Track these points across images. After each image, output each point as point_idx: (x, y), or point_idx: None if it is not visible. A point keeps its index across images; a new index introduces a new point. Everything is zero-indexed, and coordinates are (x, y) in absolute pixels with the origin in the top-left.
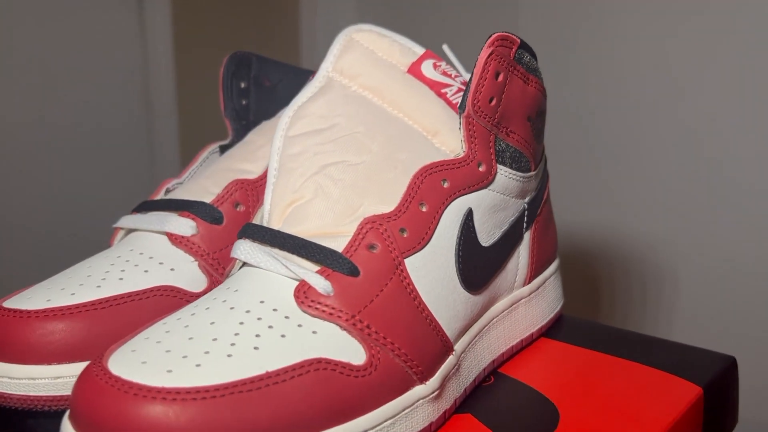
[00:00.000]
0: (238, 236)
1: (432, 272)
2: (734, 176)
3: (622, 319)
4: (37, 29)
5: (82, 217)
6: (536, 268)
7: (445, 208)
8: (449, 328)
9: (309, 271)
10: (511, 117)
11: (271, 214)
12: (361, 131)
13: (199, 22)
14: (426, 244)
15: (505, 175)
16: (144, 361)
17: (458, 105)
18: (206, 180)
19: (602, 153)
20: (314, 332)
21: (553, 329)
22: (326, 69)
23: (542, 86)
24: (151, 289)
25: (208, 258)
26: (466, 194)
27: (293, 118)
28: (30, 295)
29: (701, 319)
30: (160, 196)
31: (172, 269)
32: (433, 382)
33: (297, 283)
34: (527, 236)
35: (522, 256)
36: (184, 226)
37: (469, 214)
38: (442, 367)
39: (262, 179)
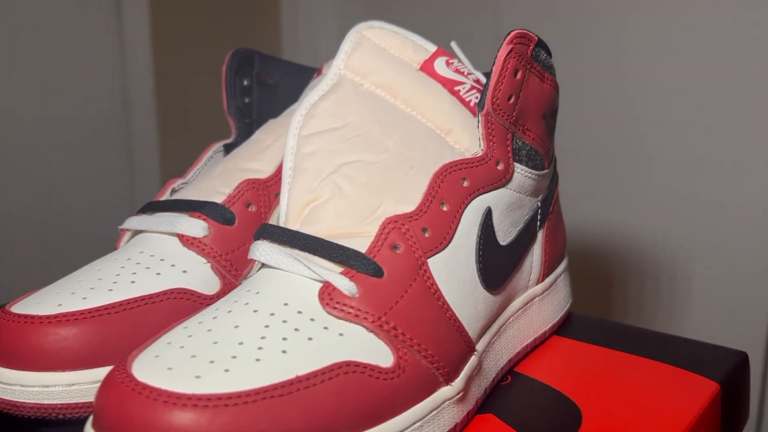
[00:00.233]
0: (254, 237)
1: (454, 272)
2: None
3: (635, 318)
4: (12, 26)
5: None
6: (549, 266)
7: (466, 207)
8: (471, 328)
9: (333, 272)
10: (528, 115)
11: (288, 215)
12: (375, 130)
13: (177, 17)
14: (448, 244)
15: (521, 173)
16: (170, 366)
17: (471, 103)
18: (215, 180)
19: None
20: (341, 334)
21: (564, 327)
22: (338, 66)
23: (556, 84)
24: (165, 292)
25: (221, 259)
26: (485, 193)
27: (306, 117)
28: (39, 299)
29: (710, 316)
30: (166, 196)
31: (184, 271)
32: (458, 383)
33: (320, 284)
34: (540, 235)
35: (536, 254)
36: (196, 227)
37: (488, 213)
38: (466, 367)
39: (274, 179)
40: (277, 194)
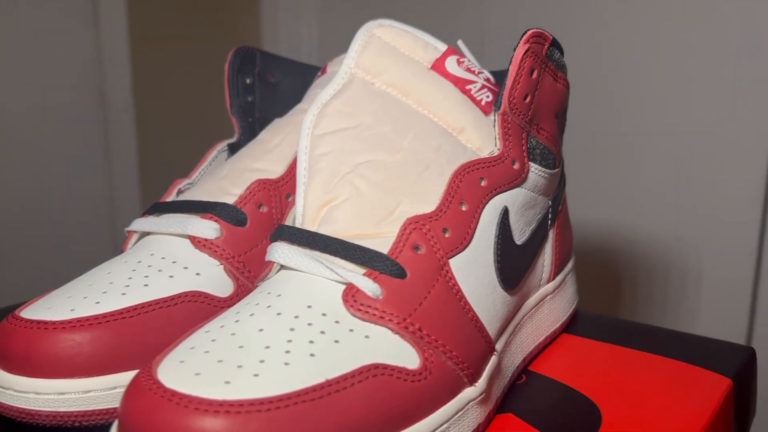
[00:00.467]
0: (271, 238)
1: (474, 272)
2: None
3: (643, 316)
4: None
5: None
6: (559, 264)
7: (484, 207)
8: (491, 328)
9: (356, 273)
10: (542, 114)
11: (305, 216)
12: (388, 129)
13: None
14: (468, 244)
15: (535, 172)
16: (197, 372)
17: (482, 102)
18: (224, 180)
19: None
20: (366, 336)
21: (573, 325)
22: (348, 65)
23: (568, 83)
24: (179, 295)
25: (234, 261)
26: (502, 192)
27: (318, 116)
28: (49, 304)
29: (719, 314)
30: (173, 197)
31: (197, 274)
32: (481, 383)
33: (342, 286)
34: (551, 234)
35: (547, 253)
36: (208, 228)
37: (505, 213)
38: (487, 367)
39: (284, 179)
40: (288, 195)
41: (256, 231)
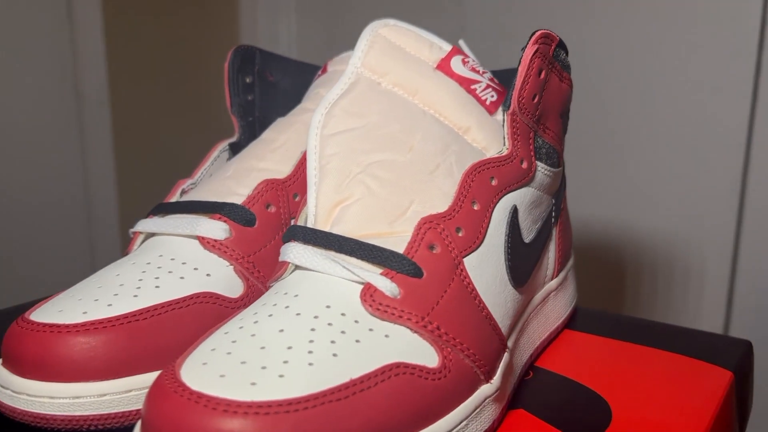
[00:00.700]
0: (284, 239)
1: (487, 271)
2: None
3: (645, 313)
4: None
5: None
6: (561, 261)
7: (495, 206)
8: (503, 326)
9: (373, 273)
10: (548, 114)
11: (317, 216)
12: (396, 128)
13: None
14: (481, 243)
15: (541, 171)
16: (222, 374)
17: (487, 101)
18: (230, 180)
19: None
20: (386, 336)
21: (575, 321)
22: (355, 65)
23: (572, 82)
24: (190, 297)
25: (244, 261)
26: (511, 191)
27: (326, 116)
28: (60, 307)
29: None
30: (176, 197)
31: (208, 275)
32: (496, 380)
33: (359, 286)
34: (554, 231)
35: (551, 250)
36: (217, 229)
37: (514, 212)
38: (501, 364)
39: (292, 179)
40: (296, 194)
41: (265, 231)
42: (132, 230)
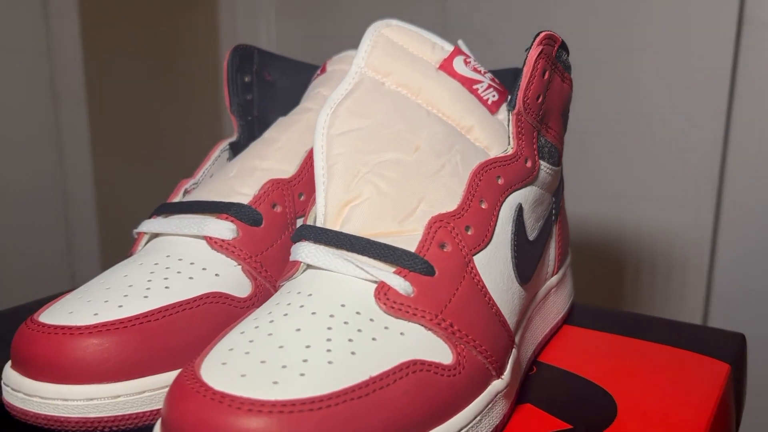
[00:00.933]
0: (294, 239)
1: (495, 268)
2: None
3: (643, 308)
4: None
5: None
6: (561, 258)
7: (502, 205)
8: (511, 322)
9: (386, 272)
10: (551, 113)
11: (326, 215)
12: (402, 128)
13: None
14: (489, 241)
15: (543, 170)
16: (243, 373)
17: (489, 101)
18: (234, 180)
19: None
20: (402, 334)
21: (574, 316)
22: (358, 65)
23: (572, 82)
24: (200, 297)
25: (251, 261)
26: (517, 190)
27: (332, 116)
28: (70, 308)
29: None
30: (179, 197)
31: (216, 275)
32: (506, 375)
33: (372, 284)
34: (554, 229)
35: (552, 247)
36: (224, 229)
37: (519, 210)
38: (510, 360)
39: (297, 178)
40: (301, 194)
41: (271, 230)
42: (136, 231)
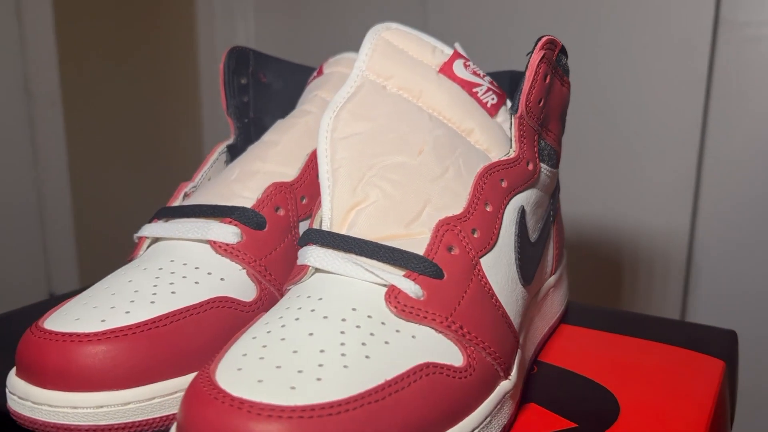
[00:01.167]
0: (300, 243)
1: (501, 270)
2: (754, 168)
3: (641, 308)
4: None
5: None
6: (558, 258)
7: (506, 207)
8: (516, 323)
9: (396, 275)
10: (551, 117)
11: (332, 219)
12: (405, 131)
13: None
14: (495, 244)
15: (543, 172)
16: (259, 379)
17: (488, 104)
18: (235, 183)
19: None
20: (413, 337)
21: (571, 316)
22: (360, 68)
23: (570, 86)
24: (207, 302)
25: (256, 265)
26: (519, 192)
27: (335, 120)
28: (76, 315)
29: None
30: (179, 201)
31: (222, 279)
32: (514, 376)
33: (382, 288)
34: (552, 230)
35: (550, 248)
36: (228, 233)
37: (522, 212)
38: (515, 361)
39: (299, 182)
40: (303, 197)
41: (275, 234)
42: (137, 235)
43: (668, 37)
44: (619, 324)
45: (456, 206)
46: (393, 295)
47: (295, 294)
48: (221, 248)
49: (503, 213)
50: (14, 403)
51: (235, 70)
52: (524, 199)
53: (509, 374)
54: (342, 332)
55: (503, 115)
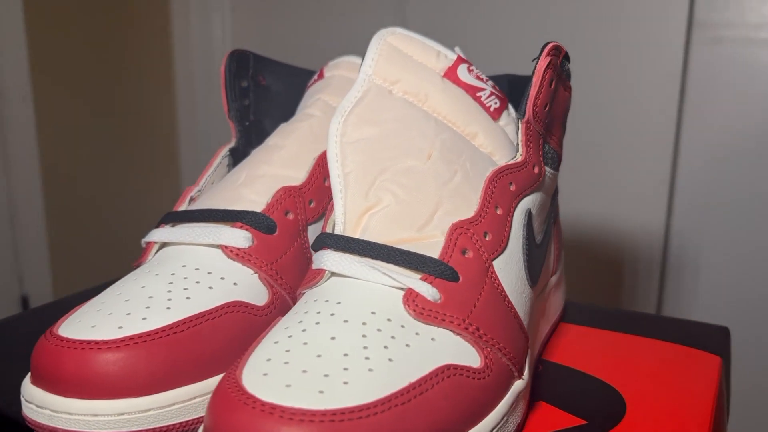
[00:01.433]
0: (314, 247)
1: (511, 272)
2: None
3: (641, 306)
4: None
5: None
6: (558, 258)
7: (514, 210)
8: (525, 323)
9: (413, 278)
10: (554, 121)
11: (345, 224)
12: (414, 135)
13: None
14: (506, 246)
15: (547, 175)
16: (287, 384)
17: (491, 108)
18: (243, 188)
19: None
20: (432, 339)
21: (571, 315)
22: (366, 73)
23: (571, 90)
24: (222, 307)
25: (268, 269)
26: (526, 196)
27: (344, 124)
28: (91, 322)
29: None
30: (185, 205)
31: (235, 284)
32: (526, 375)
33: (399, 291)
34: (552, 231)
35: (552, 249)
36: (240, 237)
37: (529, 215)
38: (527, 360)
39: (307, 185)
40: (311, 201)
41: (284, 238)
42: (145, 240)
43: (642, 39)
44: (616, 322)
45: (466, 210)
46: (411, 299)
47: (312, 298)
48: (233, 253)
49: (512, 216)
50: (31, 412)
51: (236, 73)
52: (531, 201)
53: (522, 374)
54: (364, 336)
55: (505, 119)
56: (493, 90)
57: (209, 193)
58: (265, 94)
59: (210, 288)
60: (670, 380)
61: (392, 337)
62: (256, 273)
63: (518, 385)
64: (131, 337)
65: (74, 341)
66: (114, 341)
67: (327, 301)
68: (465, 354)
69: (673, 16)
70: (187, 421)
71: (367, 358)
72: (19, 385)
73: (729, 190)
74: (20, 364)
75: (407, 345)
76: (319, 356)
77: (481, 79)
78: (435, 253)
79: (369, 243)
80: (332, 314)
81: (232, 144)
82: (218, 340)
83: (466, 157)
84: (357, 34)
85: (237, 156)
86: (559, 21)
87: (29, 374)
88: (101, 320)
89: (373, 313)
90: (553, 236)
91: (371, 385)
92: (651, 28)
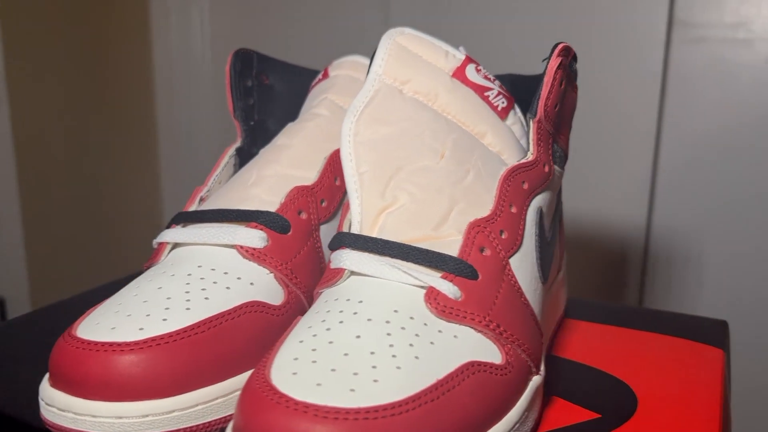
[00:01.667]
0: (331, 246)
1: (526, 270)
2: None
3: (645, 301)
4: None
5: None
6: (562, 255)
7: (528, 209)
8: (540, 320)
9: (434, 276)
10: (563, 120)
11: (362, 223)
12: (427, 134)
13: None
14: (521, 244)
15: (556, 173)
16: (318, 383)
17: (499, 107)
18: (254, 188)
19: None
20: (455, 336)
21: (573, 310)
22: (376, 73)
23: (577, 89)
24: (240, 307)
25: (283, 269)
26: (538, 194)
27: (357, 124)
28: (111, 324)
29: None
30: (195, 205)
31: (251, 283)
32: (542, 370)
33: (420, 289)
34: (558, 228)
35: (558, 246)
36: (255, 237)
37: (540, 213)
38: (543, 356)
39: (319, 185)
40: (323, 200)
41: (298, 237)
42: (157, 241)
43: (623, 38)
44: (618, 316)
45: (481, 208)
46: (432, 296)
47: (332, 297)
48: (248, 252)
49: (526, 214)
50: (52, 415)
51: (241, 72)
52: (542, 200)
53: (539, 369)
54: (388, 334)
55: (512, 118)
56: (500, 90)
57: (219, 192)
58: (268, 93)
59: (227, 288)
60: (676, 373)
61: (416, 335)
62: (271, 273)
63: (536, 380)
64: (153, 339)
65: (96, 343)
66: (136, 343)
67: (348, 300)
68: (487, 351)
69: (653, 15)
70: (210, 422)
71: (393, 356)
72: (28, 389)
73: (709, 187)
74: (26, 367)
75: (432, 343)
76: (346, 355)
77: (489, 79)
78: (453, 251)
79: (388, 242)
80: (355, 313)
81: (238, 143)
82: (238, 341)
83: (478, 157)
84: (339, 33)
85: (242, 155)
86: (538, 20)
87: (47, 376)
88: (121, 322)
89: (395, 311)
90: (558, 233)
91: (401, 383)
92: (632, 28)
